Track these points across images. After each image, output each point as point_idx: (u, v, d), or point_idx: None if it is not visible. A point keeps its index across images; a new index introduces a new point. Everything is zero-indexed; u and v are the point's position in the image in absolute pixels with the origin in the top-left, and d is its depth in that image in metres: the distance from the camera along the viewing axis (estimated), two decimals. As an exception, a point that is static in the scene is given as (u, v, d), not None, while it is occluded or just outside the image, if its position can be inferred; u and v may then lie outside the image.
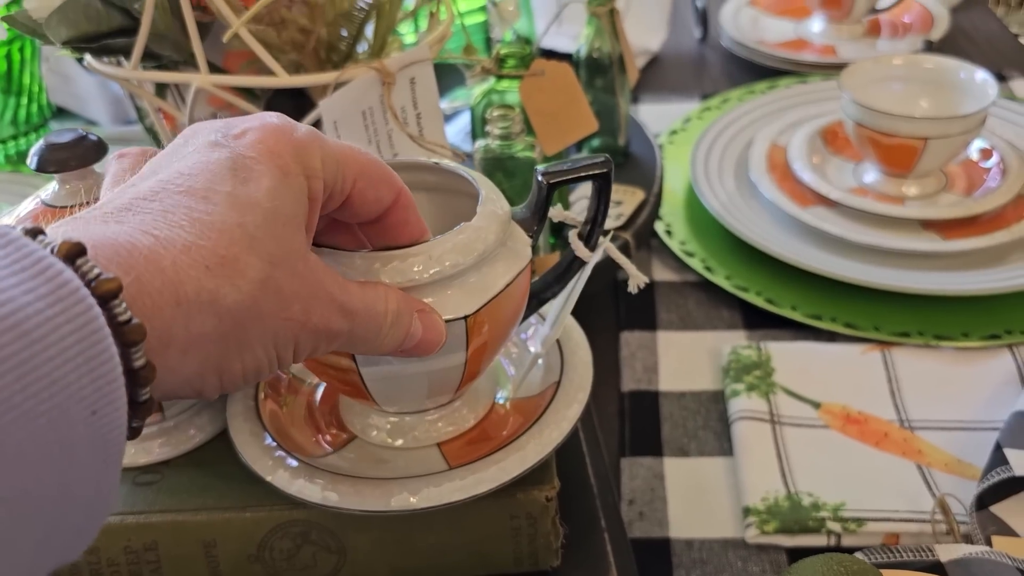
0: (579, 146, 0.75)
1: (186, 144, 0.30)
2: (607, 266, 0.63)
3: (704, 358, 0.64)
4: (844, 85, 0.72)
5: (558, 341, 0.47)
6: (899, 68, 0.75)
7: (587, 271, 0.44)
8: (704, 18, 1.08)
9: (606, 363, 0.64)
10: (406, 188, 0.35)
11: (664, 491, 0.55)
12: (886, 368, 0.61)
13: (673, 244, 0.73)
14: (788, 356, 0.62)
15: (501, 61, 0.58)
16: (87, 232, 0.25)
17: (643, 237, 0.68)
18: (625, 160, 0.75)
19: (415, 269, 0.37)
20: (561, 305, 0.45)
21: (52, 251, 0.22)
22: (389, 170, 0.34)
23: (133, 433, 0.25)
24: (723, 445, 0.57)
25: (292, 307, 0.29)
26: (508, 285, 0.39)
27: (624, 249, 0.65)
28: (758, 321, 0.67)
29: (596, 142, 0.74)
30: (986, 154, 0.76)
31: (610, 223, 0.66)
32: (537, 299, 0.45)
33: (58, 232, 0.25)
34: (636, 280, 0.46)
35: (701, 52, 1.08)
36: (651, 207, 0.69)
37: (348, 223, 0.35)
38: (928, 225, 0.70)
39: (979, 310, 0.64)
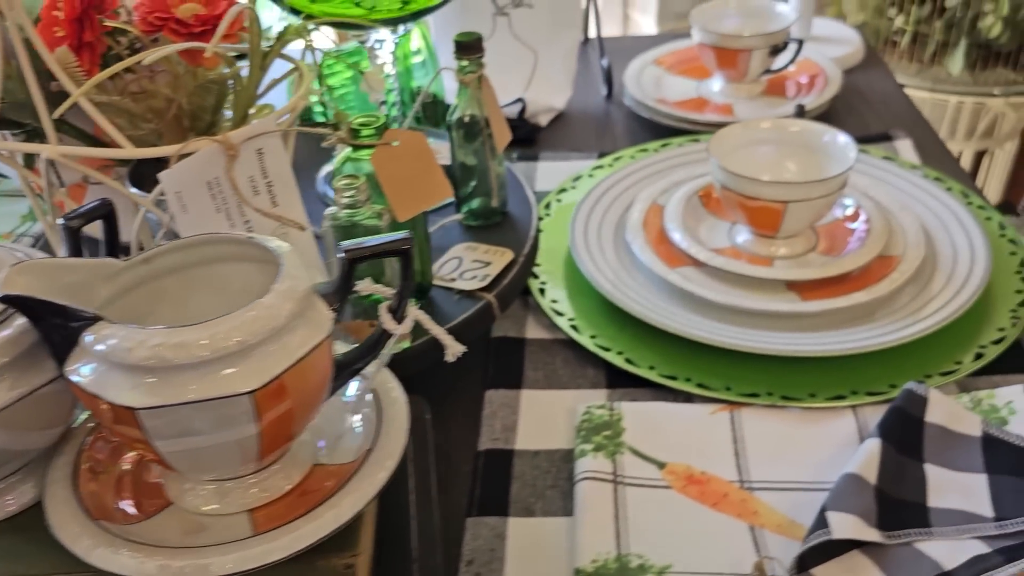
0: (457, 208, 0.77)
1: None
2: (477, 324, 0.65)
3: (563, 417, 0.65)
4: (711, 150, 0.74)
5: (378, 407, 0.48)
6: (767, 132, 0.78)
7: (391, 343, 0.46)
8: (609, 76, 1.11)
9: (470, 422, 0.66)
10: None
11: (504, 552, 0.56)
12: (732, 429, 0.62)
13: (544, 302, 0.75)
14: (639, 416, 0.63)
15: (355, 131, 0.60)
16: None
17: (508, 298, 0.69)
18: (503, 220, 0.77)
19: (201, 343, 0.38)
20: (372, 374, 0.47)
21: None
22: None
23: None
24: (568, 505, 0.59)
25: None
26: (302, 359, 0.41)
27: (486, 311, 0.67)
28: (620, 381, 0.68)
29: (475, 203, 0.76)
30: (854, 215, 0.78)
31: (474, 284, 0.68)
32: (350, 369, 0.46)
33: None
34: (452, 350, 0.48)
35: (607, 110, 1.11)
36: (520, 268, 0.71)
37: None
38: (791, 285, 0.72)
39: (828, 371, 0.66)
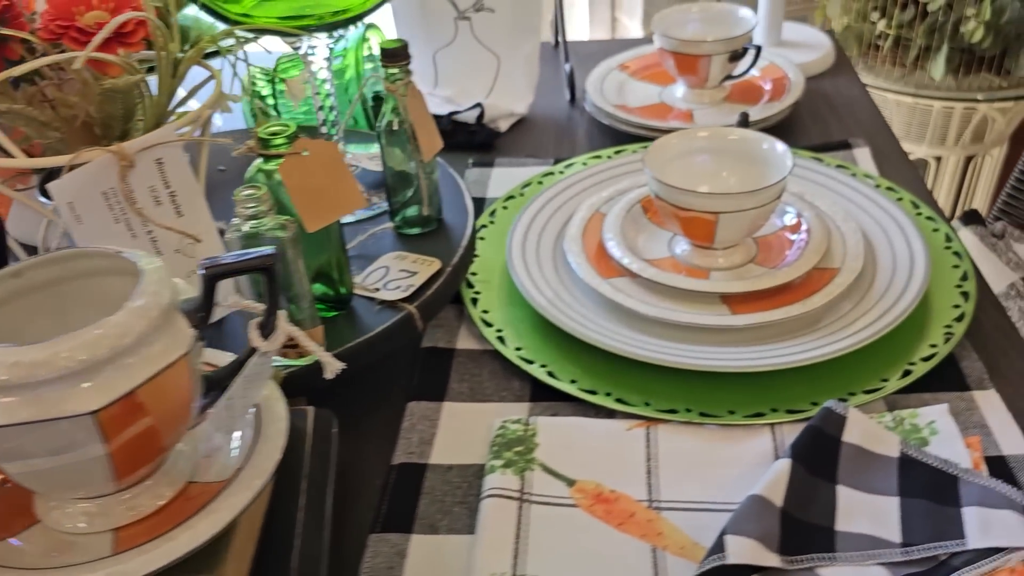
0: (391, 216, 0.76)
1: None
2: (398, 335, 0.65)
3: (482, 431, 0.64)
4: (647, 160, 0.73)
5: (258, 424, 0.48)
6: (705, 141, 0.77)
7: (265, 360, 0.45)
8: (571, 82, 1.09)
9: (391, 434, 0.65)
10: None
11: (402, 570, 0.55)
12: (647, 446, 0.61)
13: (475, 312, 0.74)
14: (554, 432, 0.62)
15: (264, 140, 0.59)
16: None
17: (432, 309, 0.69)
18: (438, 228, 0.76)
19: (38, 363, 0.37)
20: (240, 391, 0.46)
21: None
22: None
23: None
24: (473, 522, 0.58)
25: None
26: (155, 376, 0.40)
27: (408, 322, 0.66)
28: (544, 394, 0.67)
29: (412, 211, 0.76)
30: (795, 226, 0.77)
31: (396, 294, 0.67)
32: (220, 386, 0.46)
33: None
34: (330, 368, 0.47)
35: (570, 116, 1.10)
36: (447, 278, 0.70)
37: None
38: (725, 298, 0.71)
39: (749, 387, 0.65)
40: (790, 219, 0.78)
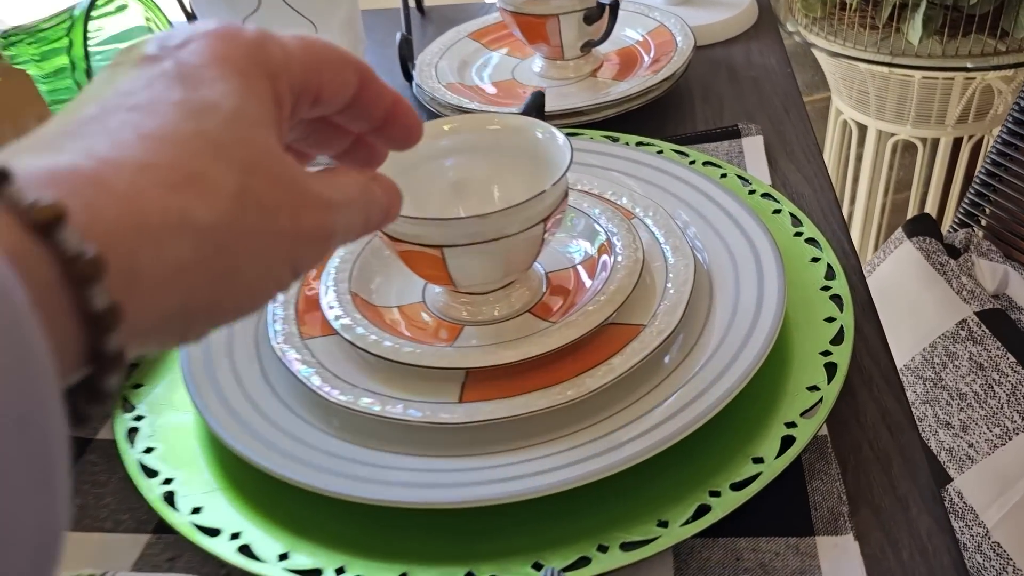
0: None
1: (120, 64, 0.26)
2: None
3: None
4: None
5: None
6: (451, 136, 0.52)
7: None
8: (403, 53, 0.85)
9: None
10: (364, 62, 0.31)
11: None
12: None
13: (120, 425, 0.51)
14: (122, 608, 0.39)
15: None
16: (14, 161, 0.20)
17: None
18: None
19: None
20: None
21: None
22: (342, 50, 0.30)
23: (95, 399, 0.21)
24: None
25: (279, 218, 0.25)
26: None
27: None
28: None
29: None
30: (603, 251, 0.53)
31: None
32: None
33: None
34: None
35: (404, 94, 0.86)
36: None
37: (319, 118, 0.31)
38: (470, 373, 0.47)
39: (447, 532, 0.41)
40: (597, 243, 0.54)
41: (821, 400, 0.45)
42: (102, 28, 0.78)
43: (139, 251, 0.21)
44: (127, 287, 0.21)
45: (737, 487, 0.41)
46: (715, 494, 0.41)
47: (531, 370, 0.46)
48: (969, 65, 1.16)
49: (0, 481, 0.16)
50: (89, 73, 0.71)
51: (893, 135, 1.35)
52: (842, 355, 0.47)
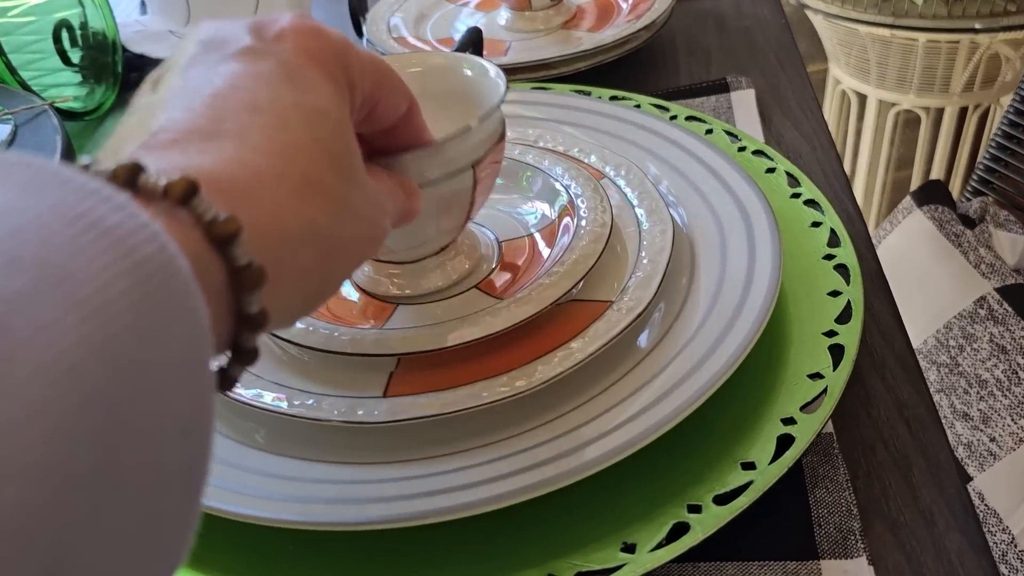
0: None
1: (208, 52, 0.26)
2: None
3: None
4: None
5: None
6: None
7: None
8: (355, 7, 0.77)
9: None
10: (414, 96, 0.31)
11: None
12: None
13: None
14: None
15: None
16: (190, 164, 0.21)
17: None
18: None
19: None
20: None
21: (163, 193, 0.19)
22: (400, 78, 0.30)
23: (228, 384, 0.23)
24: None
25: (364, 225, 0.26)
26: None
27: None
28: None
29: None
30: (565, 213, 0.44)
31: None
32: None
33: (162, 164, 0.21)
34: None
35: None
36: None
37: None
38: (401, 361, 0.39)
39: (387, 556, 0.33)
40: (558, 206, 0.45)
41: (826, 391, 0.37)
42: (24, -3, 0.70)
43: (282, 259, 0.22)
44: (270, 290, 0.22)
45: (722, 500, 0.33)
46: (695, 509, 0.33)
47: (473, 357, 0.38)
48: (977, 26, 1.07)
49: (158, 490, 0.17)
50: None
51: (895, 105, 1.27)
52: (850, 335, 0.39)
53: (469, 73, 0.41)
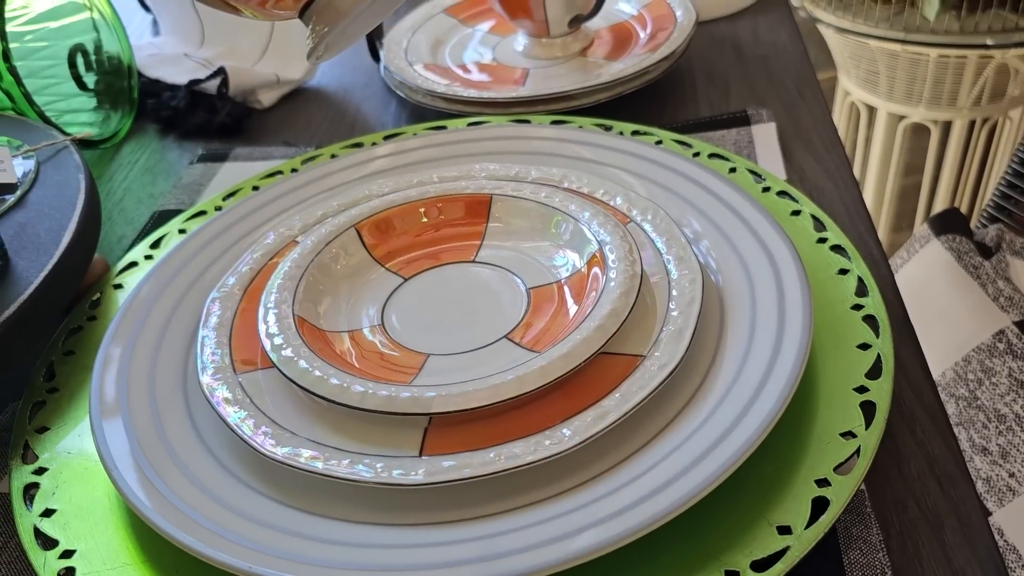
0: None
1: None
2: None
3: None
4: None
5: None
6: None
7: None
8: (373, 36, 0.77)
9: None
10: None
11: None
12: None
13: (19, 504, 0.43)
14: None
15: None
16: None
17: None
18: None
19: None
20: None
21: None
22: None
23: None
24: None
25: None
26: None
27: None
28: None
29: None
30: (594, 263, 0.44)
31: None
32: None
33: None
34: None
35: (368, 83, 0.77)
36: None
37: None
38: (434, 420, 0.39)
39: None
40: (587, 255, 0.45)
41: (859, 451, 0.37)
42: (28, 5, 0.70)
43: None
44: None
45: (759, 566, 0.33)
46: (732, 574, 0.33)
47: (507, 411, 0.38)
48: (989, 42, 1.07)
49: None
50: (7, 55, 0.63)
51: (904, 117, 1.27)
52: (881, 392, 0.39)
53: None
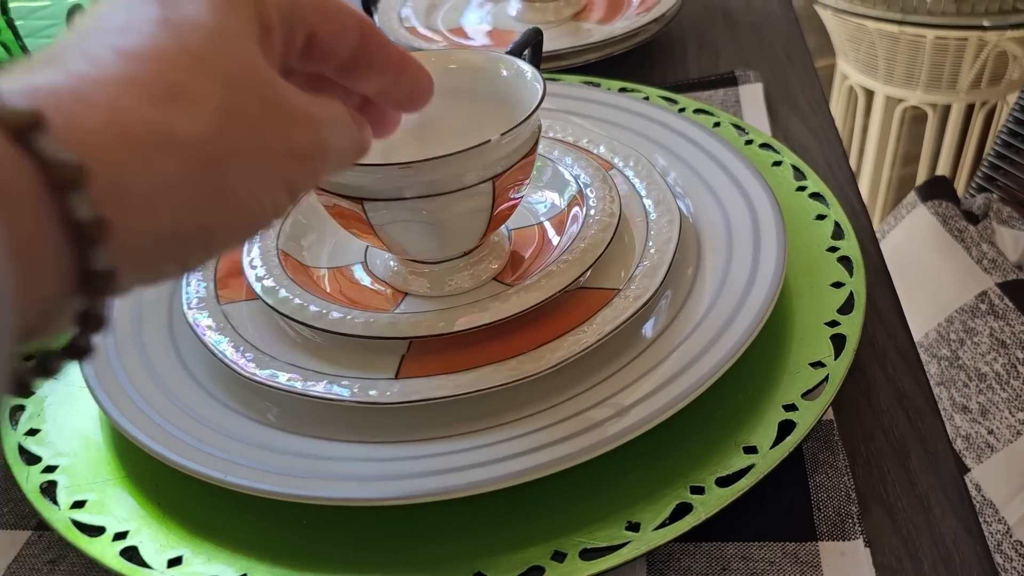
0: None
1: None
2: None
3: None
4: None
5: None
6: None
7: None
8: (367, 1, 0.77)
9: None
10: (364, 15, 0.29)
11: None
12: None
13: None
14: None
15: None
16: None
17: None
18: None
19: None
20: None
21: None
22: (341, 2, 0.28)
23: (92, 325, 0.21)
24: None
25: (267, 134, 0.24)
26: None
27: None
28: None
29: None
30: (574, 203, 0.45)
31: None
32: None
33: None
34: None
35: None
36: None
37: (328, 77, 0.30)
38: (413, 345, 0.40)
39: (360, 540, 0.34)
40: (567, 196, 0.46)
41: (827, 378, 0.38)
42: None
43: (124, 164, 0.20)
44: (114, 201, 0.20)
45: (724, 482, 0.34)
46: (698, 490, 0.34)
47: (483, 341, 0.39)
48: (986, 23, 1.08)
49: None
50: (5, 7, 0.64)
51: (902, 101, 1.27)
52: (852, 325, 0.40)
53: (505, 74, 0.41)
